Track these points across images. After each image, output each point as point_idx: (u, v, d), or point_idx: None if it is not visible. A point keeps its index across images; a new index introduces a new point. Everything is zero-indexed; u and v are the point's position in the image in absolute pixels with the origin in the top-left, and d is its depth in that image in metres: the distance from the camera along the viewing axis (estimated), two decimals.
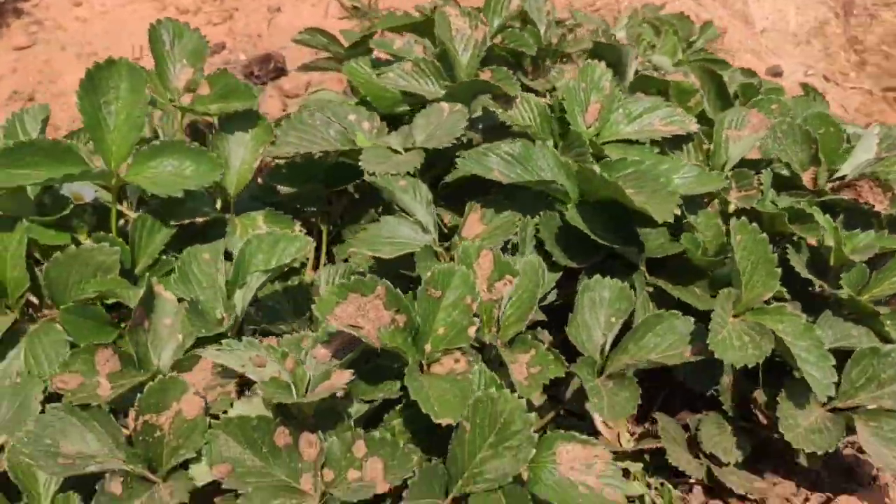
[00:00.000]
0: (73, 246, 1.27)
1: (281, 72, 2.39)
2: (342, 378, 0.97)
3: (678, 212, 1.19)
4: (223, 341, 1.04)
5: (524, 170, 1.33)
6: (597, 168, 1.22)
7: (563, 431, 1.03)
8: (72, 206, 1.30)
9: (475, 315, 1.03)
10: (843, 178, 1.46)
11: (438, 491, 0.99)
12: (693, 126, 1.47)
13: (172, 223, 1.34)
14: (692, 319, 1.19)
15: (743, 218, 1.21)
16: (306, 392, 1.00)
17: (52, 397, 1.16)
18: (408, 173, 1.35)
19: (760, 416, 1.31)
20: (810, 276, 1.30)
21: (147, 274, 1.31)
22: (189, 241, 1.34)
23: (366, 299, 1.00)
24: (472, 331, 1.02)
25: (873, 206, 1.46)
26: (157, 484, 0.98)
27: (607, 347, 1.20)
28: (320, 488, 0.99)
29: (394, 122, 1.59)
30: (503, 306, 1.09)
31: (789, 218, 1.32)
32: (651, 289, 1.29)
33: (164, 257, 1.33)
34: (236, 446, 0.98)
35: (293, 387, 0.99)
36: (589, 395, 1.12)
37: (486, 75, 1.57)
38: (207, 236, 1.39)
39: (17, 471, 1.03)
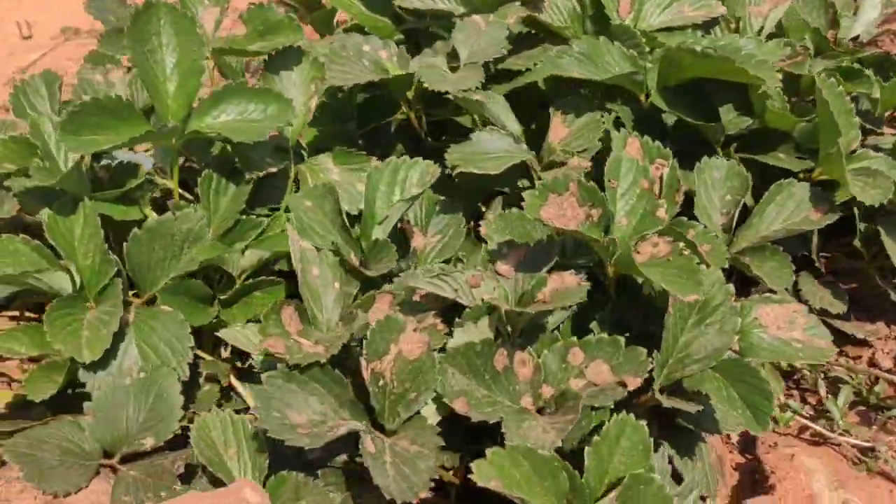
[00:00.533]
0: (151, 219, 1.12)
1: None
2: (566, 281, 0.93)
3: (780, 77, 1.22)
4: (409, 272, 0.96)
5: (597, 67, 1.31)
6: (697, 46, 1.22)
7: (755, 296, 1.04)
8: (145, 175, 1.14)
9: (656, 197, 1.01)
10: (856, 37, 1.55)
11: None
12: (721, 8, 1.50)
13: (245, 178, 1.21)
14: (807, 184, 1.23)
15: (822, 74, 1.25)
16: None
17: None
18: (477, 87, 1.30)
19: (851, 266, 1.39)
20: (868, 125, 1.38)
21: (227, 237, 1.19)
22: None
23: (562, 198, 0.95)
24: (661, 213, 0.99)
25: None
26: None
27: (733, 225, 1.21)
28: (540, 404, 0.95)
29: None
30: (660, 189, 1.08)
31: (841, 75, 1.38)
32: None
33: (244, 217, 1.20)
34: (462, 378, 0.91)
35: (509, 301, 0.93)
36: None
37: None
38: (266, 189, 1.27)
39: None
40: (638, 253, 0.98)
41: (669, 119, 1.39)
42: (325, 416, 0.86)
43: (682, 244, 0.95)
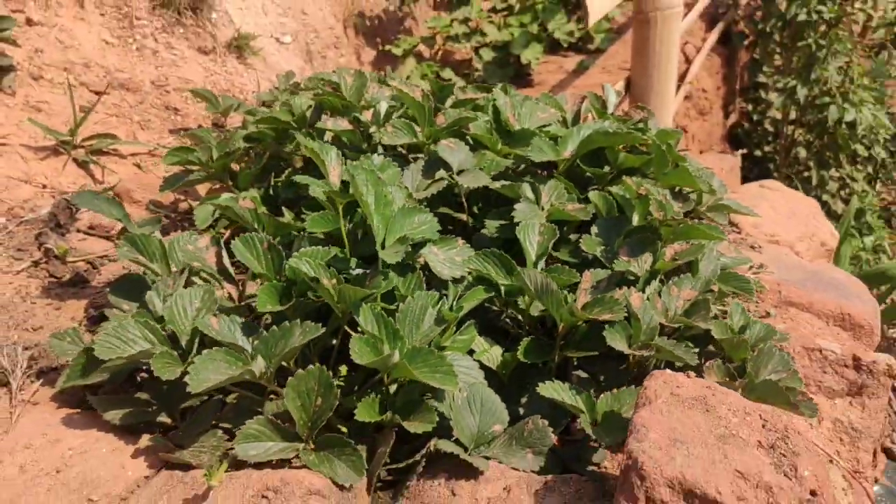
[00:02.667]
0: None
1: None
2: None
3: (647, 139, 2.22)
4: None
5: (542, 153, 2.16)
6: (610, 129, 2.15)
7: None
8: None
9: None
10: None
11: None
12: (556, 113, 2.46)
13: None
14: None
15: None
16: None
17: None
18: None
19: None
20: None
21: None
22: None
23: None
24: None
25: None
26: None
27: None
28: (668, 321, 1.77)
29: None
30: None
31: None
32: None
33: None
34: None
35: None
36: None
37: (440, 119, 2.27)
38: None
39: None
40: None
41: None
42: None
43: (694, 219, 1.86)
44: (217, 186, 2.52)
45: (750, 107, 8.81)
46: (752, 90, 8.68)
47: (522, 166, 2.30)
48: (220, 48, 3.96)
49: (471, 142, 2.31)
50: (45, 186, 2.66)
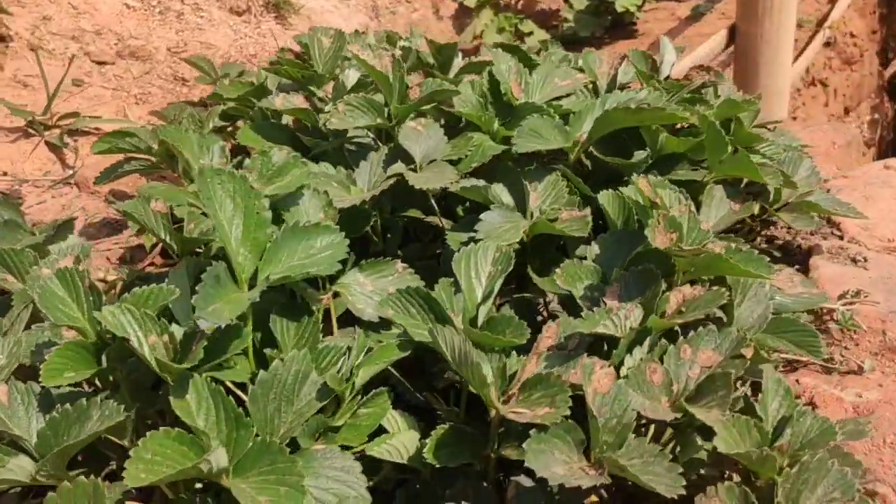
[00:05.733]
0: (262, 373, 1.14)
1: None
2: (686, 292, 1.17)
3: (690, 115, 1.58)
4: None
5: (545, 140, 1.57)
6: (632, 104, 1.53)
7: None
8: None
9: None
10: (667, 77, 2.00)
11: None
12: (583, 77, 1.85)
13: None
14: (720, 186, 1.61)
15: (702, 112, 1.65)
16: None
17: None
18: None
19: None
20: None
21: None
22: None
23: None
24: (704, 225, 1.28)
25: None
26: None
27: None
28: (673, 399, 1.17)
29: None
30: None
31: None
32: None
33: (325, 346, 1.26)
34: (636, 394, 1.10)
35: None
36: None
37: (413, 91, 1.73)
38: None
39: None
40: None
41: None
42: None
43: (732, 243, 1.23)
44: (164, 176, 2.10)
45: None
46: None
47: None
48: (256, 7, 3.55)
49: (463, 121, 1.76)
50: (5, 174, 2.35)
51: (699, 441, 1.14)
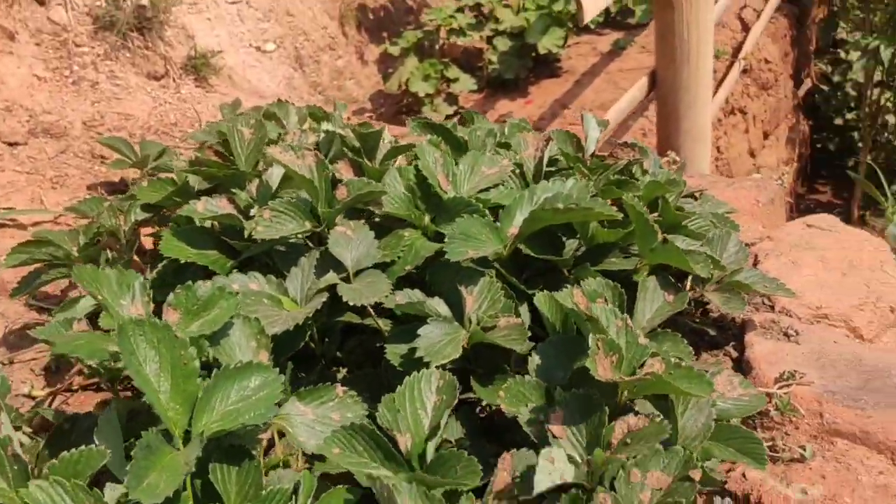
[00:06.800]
0: None
1: None
2: (631, 423, 1.15)
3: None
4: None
5: (480, 243, 1.55)
6: (560, 204, 1.53)
7: None
8: None
9: None
10: (592, 154, 2.01)
11: None
12: (507, 163, 1.83)
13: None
14: (653, 277, 1.61)
15: (629, 196, 1.65)
16: None
17: None
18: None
19: None
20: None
21: None
22: None
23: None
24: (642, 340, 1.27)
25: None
26: None
27: None
28: None
29: None
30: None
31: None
32: None
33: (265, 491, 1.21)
34: None
35: None
36: None
37: (341, 192, 1.69)
38: None
39: None
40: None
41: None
42: None
43: (672, 360, 1.23)
44: None
45: (829, 68, 7.81)
46: (831, 49, 7.68)
47: None
48: (174, 71, 3.46)
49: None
50: None
51: None
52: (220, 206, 1.73)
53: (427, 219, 1.70)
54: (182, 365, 1.15)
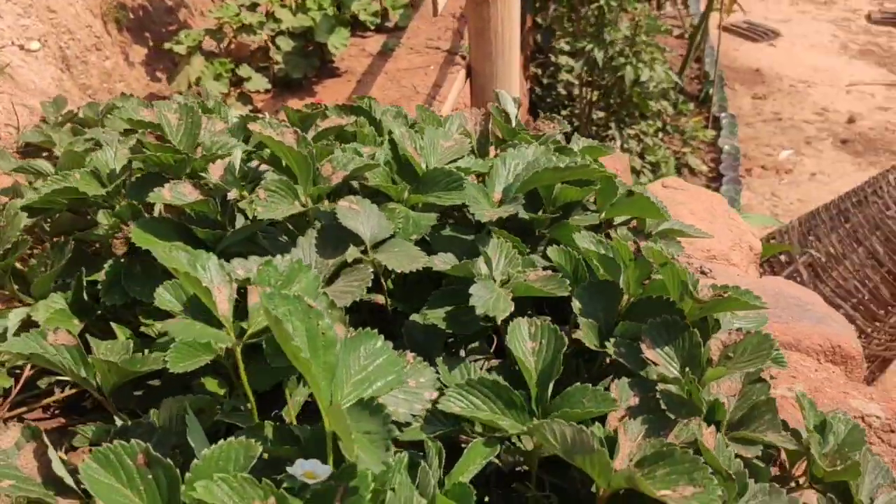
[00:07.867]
0: None
1: None
2: None
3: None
4: None
5: (482, 205, 1.61)
6: (561, 163, 1.62)
7: None
8: None
9: None
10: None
11: None
12: (466, 141, 1.90)
13: None
14: None
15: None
16: None
17: None
18: None
19: None
20: None
21: None
22: None
23: None
24: None
25: None
26: None
27: None
28: None
29: None
30: None
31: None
32: None
33: None
34: None
35: None
36: None
37: (326, 169, 1.63)
38: None
39: None
40: None
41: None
42: None
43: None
44: None
45: (539, 71, 8.73)
46: (544, 55, 8.59)
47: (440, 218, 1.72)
48: None
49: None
50: None
51: None
52: (186, 192, 1.58)
53: (407, 191, 1.70)
54: (321, 335, 1.08)
